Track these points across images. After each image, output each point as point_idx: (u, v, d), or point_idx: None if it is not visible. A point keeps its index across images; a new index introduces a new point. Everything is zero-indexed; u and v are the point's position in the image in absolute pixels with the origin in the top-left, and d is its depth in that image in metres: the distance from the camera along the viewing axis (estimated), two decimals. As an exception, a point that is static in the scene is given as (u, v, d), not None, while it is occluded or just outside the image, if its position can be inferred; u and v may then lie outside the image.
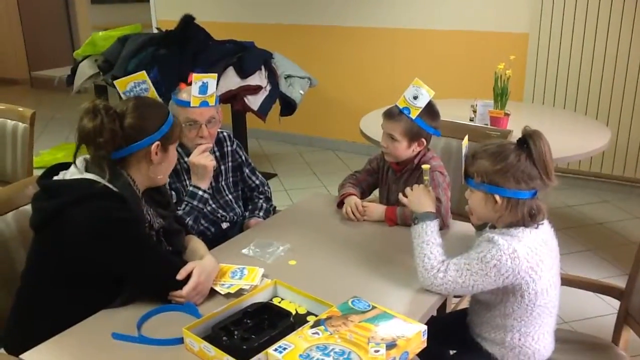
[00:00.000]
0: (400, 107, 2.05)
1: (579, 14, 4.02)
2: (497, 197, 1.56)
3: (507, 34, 4.34)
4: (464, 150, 1.66)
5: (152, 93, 1.80)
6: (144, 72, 1.81)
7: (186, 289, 1.56)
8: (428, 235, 1.66)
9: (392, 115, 2.09)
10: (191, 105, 2.12)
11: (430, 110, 2.08)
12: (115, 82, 1.80)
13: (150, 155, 1.64)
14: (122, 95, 1.75)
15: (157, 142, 1.64)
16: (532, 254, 1.54)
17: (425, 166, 1.88)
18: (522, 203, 1.56)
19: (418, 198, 1.78)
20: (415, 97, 2.04)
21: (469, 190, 1.64)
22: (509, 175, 1.54)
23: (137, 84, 1.80)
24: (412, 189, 1.83)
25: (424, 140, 2.11)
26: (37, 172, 1.76)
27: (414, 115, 2.03)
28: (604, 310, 2.79)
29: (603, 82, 4.07)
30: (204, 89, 2.13)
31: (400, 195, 1.85)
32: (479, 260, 1.54)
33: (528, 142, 1.55)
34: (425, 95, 2.03)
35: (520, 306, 1.59)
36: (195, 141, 2.18)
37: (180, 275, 1.57)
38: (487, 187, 1.57)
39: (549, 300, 1.61)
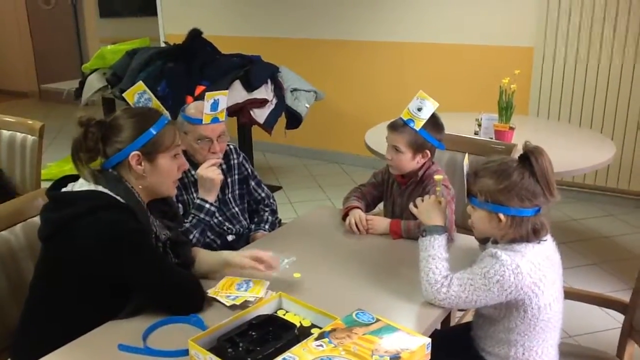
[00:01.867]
0: (405, 119, 2.07)
1: (584, 28, 4.04)
2: (502, 216, 1.57)
3: (512, 48, 4.37)
4: (465, 169, 1.67)
5: (155, 103, 1.82)
6: (141, 82, 1.84)
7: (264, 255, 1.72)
8: (435, 250, 1.67)
9: (396, 126, 2.11)
10: (203, 122, 2.16)
11: (434, 122, 2.09)
12: (124, 94, 1.83)
13: (132, 166, 1.63)
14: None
15: (135, 152, 1.63)
16: (535, 269, 1.55)
17: (437, 177, 1.87)
18: (526, 220, 1.56)
19: (428, 210, 1.78)
20: (419, 109, 2.05)
21: (471, 207, 1.65)
22: (512, 194, 1.55)
23: (140, 94, 1.82)
24: (423, 200, 1.83)
25: (428, 152, 2.12)
26: (45, 184, 1.78)
27: (417, 126, 2.05)
28: (608, 324, 2.78)
29: (608, 96, 4.08)
30: (215, 106, 2.17)
31: (411, 205, 1.85)
32: (482, 276, 1.55)
33: (530, 158, 1.56)
34: (429, 107, 2.04)
35: (523, 321, 1.60)
36: (207, 157, 2.21)
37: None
38: (491, 206, 1.58)
39: (553, 315, 1.61)
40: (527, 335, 1.62)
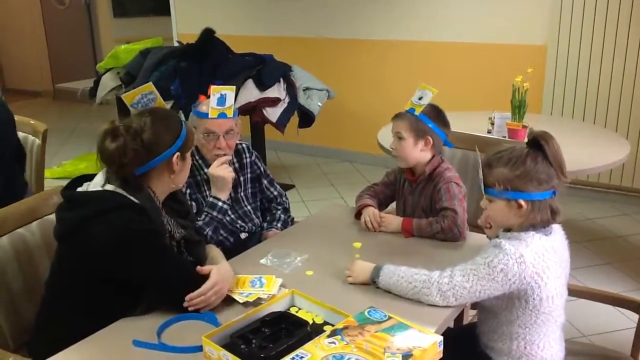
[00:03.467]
0: (407, 108, 2.13)
1: (598, 26, 4.01)
2: (522, 202, 1.58)
3: (525, 46, 4.34)
4: (479, 160, 1.67)
5: (160, 102, 1.83)
6: (150, 83, 1.84)
7: (204, 288, 1.59)
8: (393, 273, 1.68)
9: (398, 115, 2.16)
10: (209, 116, 2.16)
11: (436, 111, 2.13)
12: (122, 96, 1.83)
13: (173, 166, 1.67)
14: (130, 108, 1.77)
15: (177, 153, 1.67)
16: (538, 259, 1.56)
17: (356, 244, 1.97)
18: (544, 203, 1.58)
19: (358, 269, 1.77)
20: (420, 98, 2.11)
21: (486, 200, 1.66)
22: (529, 178, 1.57)
23: (144, 95, 1.82)
24: (350, 268, 1.79)
25: (430, 139, 2.12)
26: (60, 183, 1.80)
27: (418, 112, 2.09)
28: (623, 324, 2.75)
29: (622, 94, 4.04)
30: (221, 100, 2.16)
31: (346, 276, 1.79)
32: (485, 265, 1.56)
33: (541, 143, 1.58)
34: (429, 94, 2.09)
35: (524, 312, 1.60)
36: (213, 152, 2.22)
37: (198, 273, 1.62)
38: (511, 194, 1.59)
39: (554, 309, 1.62)
40: (528, 328, 1.62)
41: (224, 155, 2.22)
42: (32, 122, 2.91)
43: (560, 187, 1.60)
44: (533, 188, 1.57)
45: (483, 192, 1.65)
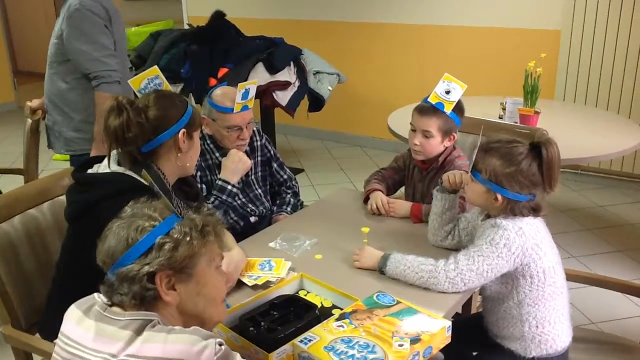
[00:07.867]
0: (434, 102, 2.04)
1: (613, 11, 3.95)
2: (499, 196, 1.60)
3: (538, 31, 4.29)
4: (478, 141, 1.66)
5: (167, 86, 1.83)
6: (155, 67, 1.83)
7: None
8: (400, 262, 1.68)
9: (426, 111, 2.08)
10: (234, 111, 2.19)
11: (459, 105, 2.08)
12: (129, 81, 1.82)
13: (179, 143, 1.66)
14: (137, 94, 1.77)
15: (183, 130, 1.66)
16: (534, 231, 1.60)
17: (364, 229, 1.90)
18: (520, 203, 1.60)
19: (366, 255, 1.77)
20: (447, 92, 2.04)
21: (470, 178, 1.66)
22: (515, 180, 1.58)
23: (150, 80, 1.81)
24: (358, 253, 1.79)
25: (455, 135, 2.11)
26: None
27: (448, 109, 2.03)
28: (632, 311, 2.74)
29: (636, 80, 3.99)
30: (245, 95, 2.20)
31: (356, 263, 1.78)
32: (488, 244, 1.58)
33: (541, 150, 1.57)
34: (458, 89, 2.03)
35: (531, 288, 1.61)
36: (235, 143, 2.25)
37: None
38: (493, 185, 1.60)
39: (557, 279, 1.64)
40: (537, 305, 1.63)
41: (244, 145, 2.29)
42: (28, 103, 3.06)
43: (543, 195, 1.61)
44: (513, 189, 1.58)
45: (469, 169, 1.67)
